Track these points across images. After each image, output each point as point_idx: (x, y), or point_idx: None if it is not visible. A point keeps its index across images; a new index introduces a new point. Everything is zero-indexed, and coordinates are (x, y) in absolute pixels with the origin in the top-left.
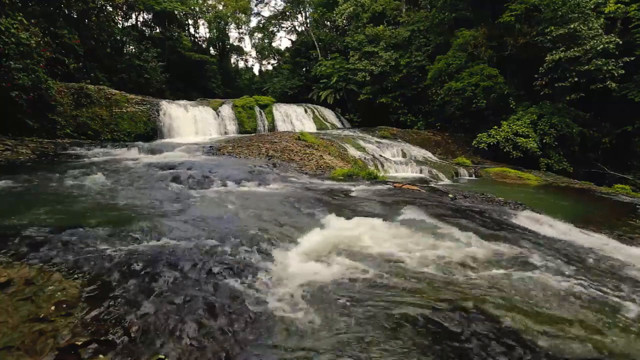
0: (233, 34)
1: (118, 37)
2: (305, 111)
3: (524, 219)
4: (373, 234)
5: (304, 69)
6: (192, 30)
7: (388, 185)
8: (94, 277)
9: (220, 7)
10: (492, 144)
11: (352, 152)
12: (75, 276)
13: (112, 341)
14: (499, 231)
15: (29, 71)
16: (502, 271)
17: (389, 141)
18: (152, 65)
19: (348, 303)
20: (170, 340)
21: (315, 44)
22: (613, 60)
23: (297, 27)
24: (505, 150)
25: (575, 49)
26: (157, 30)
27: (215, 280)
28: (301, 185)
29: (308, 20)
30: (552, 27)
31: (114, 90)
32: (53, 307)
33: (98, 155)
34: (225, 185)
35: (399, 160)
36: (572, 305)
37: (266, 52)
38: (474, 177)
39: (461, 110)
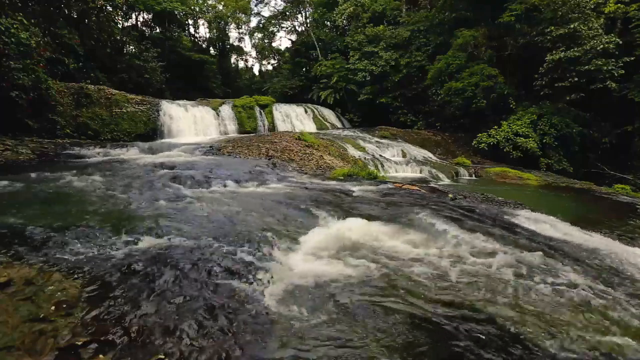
0: (233, 34)
1: (118, 37)
2: (305, 111)
3: (524, 218)
4: (372, 234)
5: (304, 69)
6: (192, 30)
7: (388, 185)
8: (94, 277)
9: (220, 7)
10: (492, 144)
11: (352, 152)
12: (75, 276)
13: (112, 341)
14: (499, 231)
15: (29, 71)
16: (501, 271)
17: (389, 141)
18: (152, 65)
19: (348, 303)
20: (170, 340)
21: (315, 44)
22: (613, 60)
23: (297, 27)
24: (505, 150)
25: (575, 49)
26: (157, 30)
27: (215, 280)
28: (301, 185)
29: (308, 20)
30: (552, 27)
31: (114, 90)
32: (53, 307)
33: (98, 155)
34: (225, 185)
35: (399, 160)
36: (571, 305)
37: (266, 52)
38: (474, 177)
39: (461, 110)
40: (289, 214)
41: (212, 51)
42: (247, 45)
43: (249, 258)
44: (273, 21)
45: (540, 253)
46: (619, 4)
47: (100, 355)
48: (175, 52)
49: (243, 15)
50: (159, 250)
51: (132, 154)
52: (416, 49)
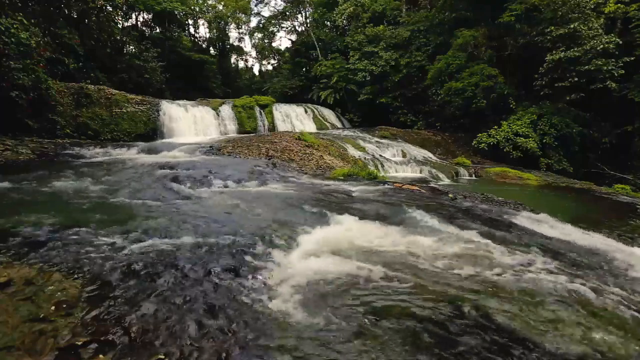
0: (233, 34)
1: (118, 37)
2: (305, 111)
3: (524, 219)
4: (373, 234)
5: (304, 69)
6: (192, 30)
7: (388, 185)
8: (94, 277)
9: (220, 7)
10: (492, 144)
11: (352, 152)
12: (75, 276)
13: (112, 341)
14: (499, 231)
15: (29, 71)
16: (501, 271)
17: (389, 141)
18: (152, 65)
19: (348, 302)
20: (170, 340)
21: (315, 44)
22: (613, 60)
23: (297, 27)
24: (505, 150)
25: (575, 49)
26: (157, 30)
27: (215, 280)
28: (301, 185)
29: (308, 20)
30: (552, 27)
31: (114, 90)
32: (53, 307)
33: (98, 155)
34: (225, 185)
35: (399, 160)
36: (571, 305)
37: (266, 52)
38: (474, 177)
39: (461, 110)
40: (288, 213)
41: (212, 51)
42: (247, 45)
43: (248, 258)
44: (273, 21)
45: (541, 253)
46: (619, 4)
47: (100, 355)
48: (175, 52)
49: (243, 15)
50: (159, 250)
51: (132, 154)
52: (416, 49)
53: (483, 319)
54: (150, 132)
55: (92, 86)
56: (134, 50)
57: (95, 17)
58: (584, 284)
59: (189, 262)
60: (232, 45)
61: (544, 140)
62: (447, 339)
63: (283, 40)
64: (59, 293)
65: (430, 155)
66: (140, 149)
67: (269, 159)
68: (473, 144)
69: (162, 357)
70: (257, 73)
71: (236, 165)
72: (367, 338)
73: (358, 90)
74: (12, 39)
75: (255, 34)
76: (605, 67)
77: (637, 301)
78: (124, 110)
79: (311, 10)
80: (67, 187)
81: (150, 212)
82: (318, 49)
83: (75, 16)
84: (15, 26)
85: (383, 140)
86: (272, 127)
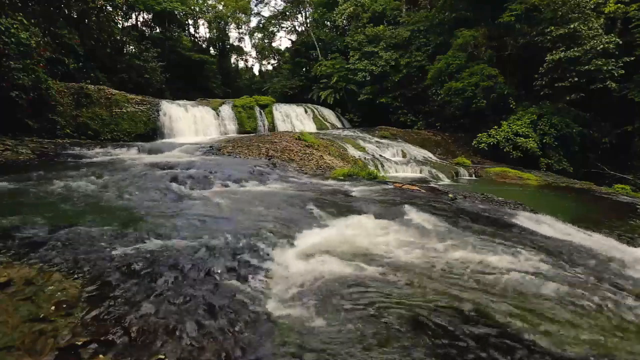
0: (233, 34)
1: (118, 37)
2: (305, 111)
3: (524, 219)
4: (373, 234)
5: (304, 69)
6: (192, 30)
7: (388, 185)
8: (94, 277)
9: (220, 7)
10: (492, 144)
11: (352, 152)
12: (75, 276)
13: (112, 341)
14: (499, 231)
15: (29, 71)
16: (501, 271)
17: (389, 141)
18: (152, 65)
19: (348, 303)
20: (170, 340)
21: (315, 44)
22: (613, 60)
23: (297, 27)
24: (505, 150)
25: (575, 49)
26: (157, 30)
27: (215, 280)
28: (301, 185)
29: (308, 20)
30: (552, 27)
31: (114, 90)
32: (53, 307)
33: (98, 155)
34: (225, 185)
35: (399, 160)
36: (571, 305)
37: (266, 52)
38: (474, 177)
39: (461, 110)
40: (288, 214)
41: (212, 51)
42: (247, 45)
43: (248, 258)
44: (273, 21)
45: (540, 253)
46: (619, 4)
47: (100, 355)
48: (175, 52)
49: (243, 15)
50: (159, 250)
51: (132, 154)
52: (416, 49)
53: (482, 320)
54: (150, 132)
55: (92, 86)
56: (134, 50)
57: (95, 17)
58: (583, 284)
59: (189, 262)
60: (232, 45)
61: (544, 140)
62: (447, 339)
63: (283, 40)
64: (59, 293)
65: (430, 155)
66: (141, 149)
67: (269, 159)
68: (473, 144)
69: (162, 357)
70: (257, 73)
71: (236, 165)
72: (367, 339)
73: (358, 90)
74: (12, 39)
75: (255, 34)
76: (605, 67)
77: (637, 301)
78: (124, 110)
79: (311, 10)
80: (67, 187)
81: (150, 212)
82: (318, 49)
83: (75, 16)
84: (15, 26)
85: (383, 140)
86: (272, 127)
